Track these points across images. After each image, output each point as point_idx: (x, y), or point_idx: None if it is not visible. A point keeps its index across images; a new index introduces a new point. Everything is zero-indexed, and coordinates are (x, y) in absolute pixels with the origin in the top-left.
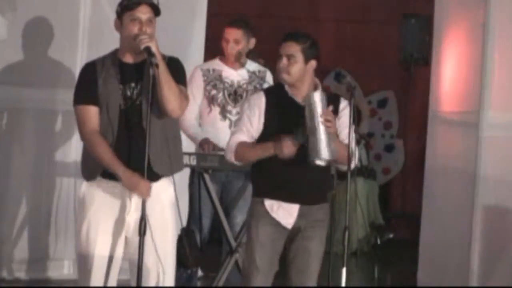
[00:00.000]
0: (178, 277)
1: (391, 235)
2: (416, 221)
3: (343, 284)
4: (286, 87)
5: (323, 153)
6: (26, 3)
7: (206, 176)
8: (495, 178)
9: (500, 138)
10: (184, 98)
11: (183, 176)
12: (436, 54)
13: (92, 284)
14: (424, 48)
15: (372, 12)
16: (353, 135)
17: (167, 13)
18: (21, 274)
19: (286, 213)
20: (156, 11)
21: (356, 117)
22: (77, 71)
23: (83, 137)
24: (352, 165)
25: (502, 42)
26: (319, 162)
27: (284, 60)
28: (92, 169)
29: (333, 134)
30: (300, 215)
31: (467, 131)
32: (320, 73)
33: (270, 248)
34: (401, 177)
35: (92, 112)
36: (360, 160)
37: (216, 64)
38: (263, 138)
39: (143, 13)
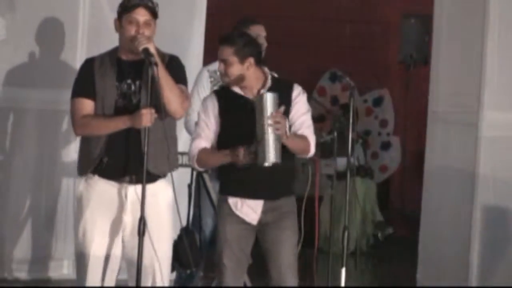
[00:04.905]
0: (178, 277)
1: (391, 230)
2: (416, 221)
3: (343, 284)
4: (234, 87)
5: (271, 157)
6: (26, 3)
7: (206, 176)
8: (494, 178)
9: (499, 138)
10: (185, 98)
11: (182, 176)
12: (436, 54)
13: (89, 284)
14: (423, 48)
15: (372, 12)
16: (310, 122)
17: (167, 13)
18: (21, 274)
19: (250, 210)
20: (154, 14)
21: (355, 117)
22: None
23: (76, 124)
24: (311, 153)
25: (501, 42)
26: (266, 165)
27: (221, 65)
28: (84, 163)
29: (281, 135)
30: (265, 211)
31: (466, 131)
32: (317, 73)
33: (236, 246)
34: (401, 177)
35: (87, 105)
36: (357, 159)
37: None
38: (222, 139)
39: (140, 15)
